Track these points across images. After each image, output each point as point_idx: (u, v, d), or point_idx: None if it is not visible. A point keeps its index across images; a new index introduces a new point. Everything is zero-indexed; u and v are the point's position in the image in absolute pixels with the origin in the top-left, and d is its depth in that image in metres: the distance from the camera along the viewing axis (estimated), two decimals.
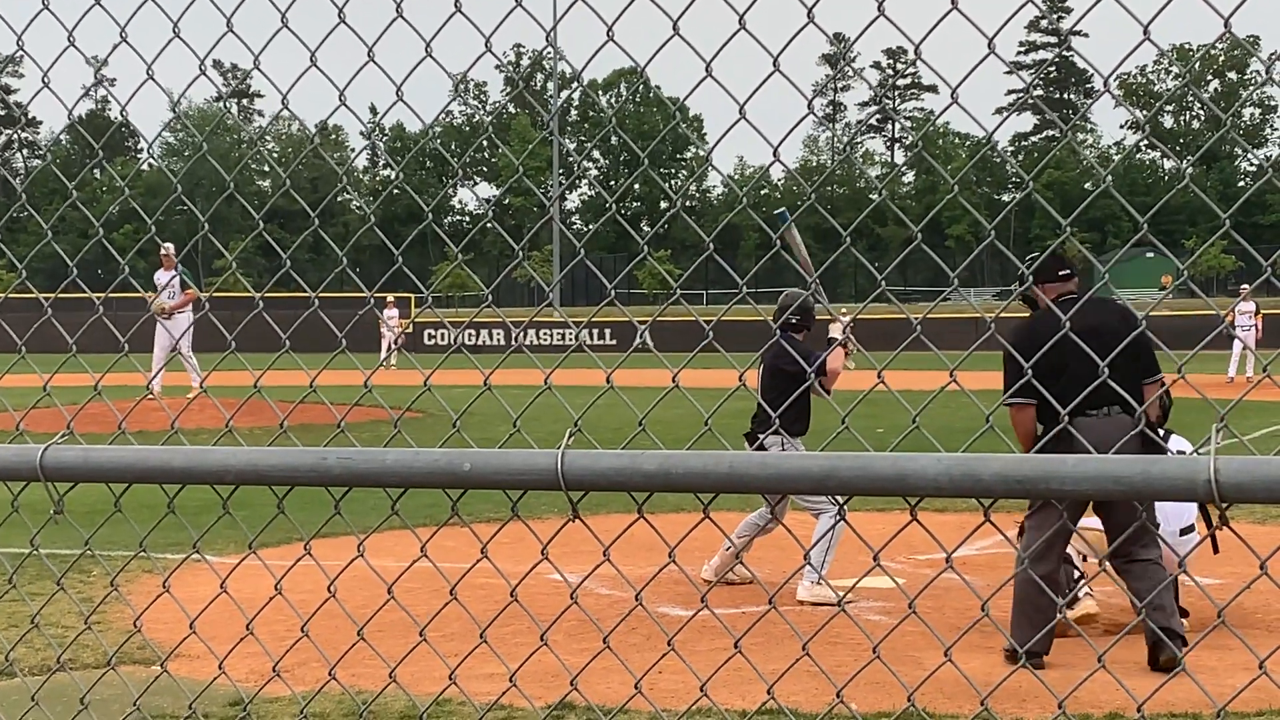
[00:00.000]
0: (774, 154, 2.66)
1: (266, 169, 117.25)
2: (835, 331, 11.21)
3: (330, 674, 3.54)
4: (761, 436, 10.33)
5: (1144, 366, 8.28)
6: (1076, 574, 9.14)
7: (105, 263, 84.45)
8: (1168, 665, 8.05)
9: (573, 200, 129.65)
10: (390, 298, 52.47)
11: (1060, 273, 8.77)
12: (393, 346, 45.88)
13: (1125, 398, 7.73)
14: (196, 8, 3.36)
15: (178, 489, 3.28)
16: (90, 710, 4.12)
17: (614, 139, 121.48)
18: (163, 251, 26.34)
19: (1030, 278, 8.77)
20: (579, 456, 2.68)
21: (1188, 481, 2.23)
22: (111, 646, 8.19)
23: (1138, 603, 8.22)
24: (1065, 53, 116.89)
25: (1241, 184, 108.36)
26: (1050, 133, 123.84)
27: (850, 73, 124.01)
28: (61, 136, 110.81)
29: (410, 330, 63.67)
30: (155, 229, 3.74)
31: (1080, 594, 9.21)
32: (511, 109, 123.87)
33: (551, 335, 65.03)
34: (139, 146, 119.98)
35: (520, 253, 3.10)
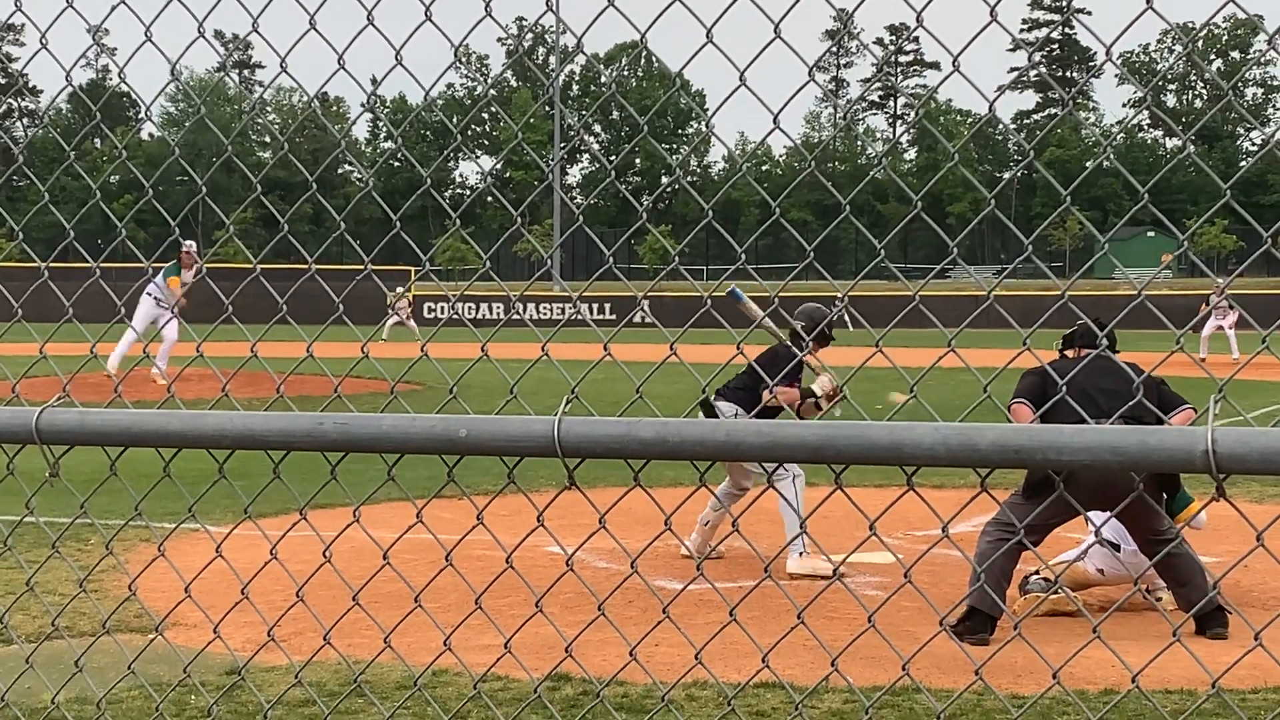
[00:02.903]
0: (774, 122, 2.65)
1: (267, 139, 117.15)
2: (819, 387, 11.14)
3: (325, 639, 3.54)
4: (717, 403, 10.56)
5: (1168, 405, 8.89)
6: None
7: (105, 232, 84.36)
8: (1215, 637, 8.39)
9: (574, 175, 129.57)
10: (400, 288, 52.18)
11: (1097, 343, 9.26)
12: (399, 321, 45.48)
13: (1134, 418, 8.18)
14: None
15: (173, 454, 3.27)
16: (85, 676, 4.12)
17: (615, 114, 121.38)
18: (185, 249, 26.16)
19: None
20: (576, 423, 2.67)
21: (1185, 452, 2.23)
22: (107, 613, 8.19)
23: (1175, 587, 8.86)
24: (1068, 29, 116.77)
25: (1243, 164, 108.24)
26: (1053, 110, 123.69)
27: (853, 48, 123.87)
28: (62, 105, 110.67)
29: (410, 307, 63.64)
30: (155, 197, 3.72)
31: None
32: (513, 82, 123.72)
33: (551, 309, 65.02)
34: (139, 116, 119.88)
35: (519, 219, 3.09)
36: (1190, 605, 8.43)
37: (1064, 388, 2.74)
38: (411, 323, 45.07)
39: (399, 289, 51.08)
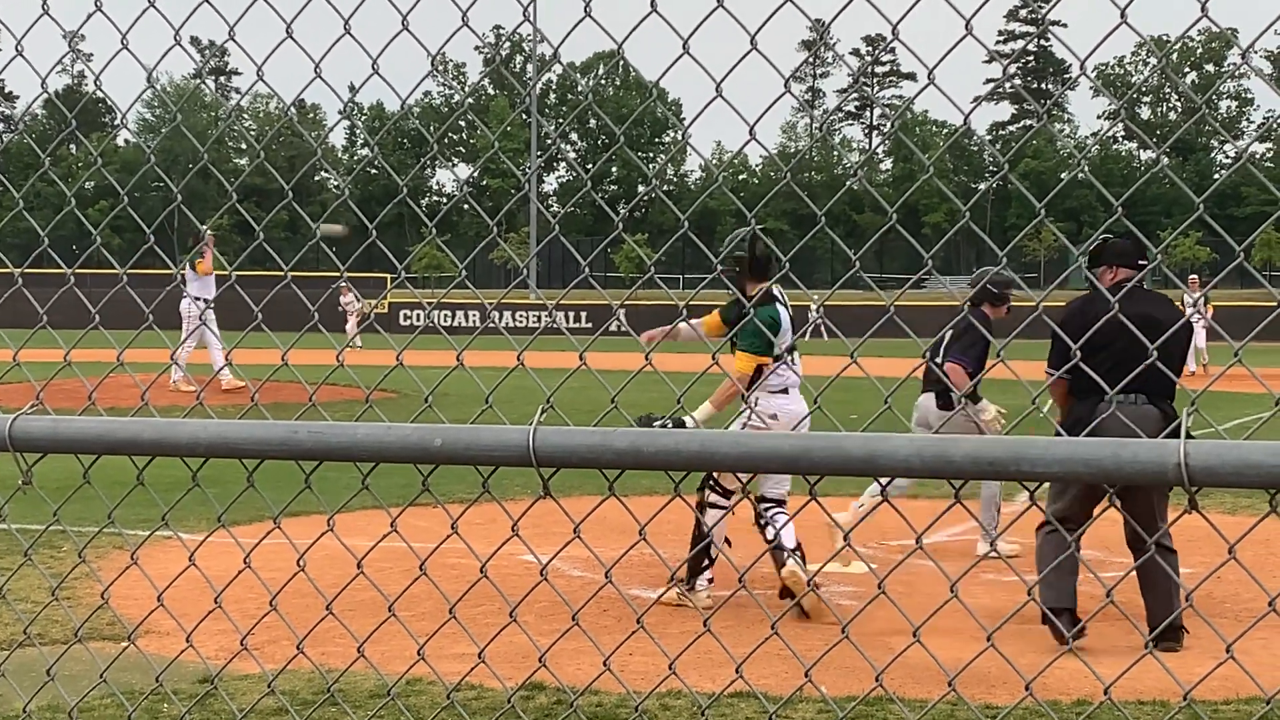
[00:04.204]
0: (750, 133, 2.66)
1: (244, 147, 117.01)
2: (985, 413, 10.86)
3: (298, 648, 3.53)
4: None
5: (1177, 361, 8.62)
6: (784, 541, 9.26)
7: (80, 238, 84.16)
8: (1165, 650, 8.10)
9: (551, 183, 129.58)
10: (343, 283, 51.53)
11: (1139, 261, 8.80)
12: (360, 324, 44.62)
13: (1160, 387, 8.03)
14: None
15: (147, 462, 3.26)
16: (57, 684, 4.11)
17: (592, 122, 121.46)
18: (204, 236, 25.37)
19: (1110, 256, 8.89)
20: (551, 433, 2.67)
21: (1158, 465, 2.24)
22: (80, 621, 8.16)
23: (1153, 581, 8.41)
24: (1043, 41, 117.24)
25: (1217, 176, 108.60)
26: (1028, 122, 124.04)
27: (829, 59, 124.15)
28: (38, 110, 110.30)
29: (384, 310, 63.56)
30: (130, 203, 3.71)
31: (788, 559, 9.23)
32: (490, 90, 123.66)
33: (527, 317, 64.96)
34: (115, 122, 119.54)
35: (495, 229, 3.10)
36: (1150, 614, 8.30)
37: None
38: (352, 320, 43.74)
39: (341, 282, 50.09)
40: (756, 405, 9.72)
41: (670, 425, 9.05)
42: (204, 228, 25.02)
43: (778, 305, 9.60)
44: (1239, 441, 2.25)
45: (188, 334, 23.17)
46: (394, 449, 2.81)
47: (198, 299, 24.29)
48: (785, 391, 9.62)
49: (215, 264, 24.67)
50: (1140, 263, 8.77)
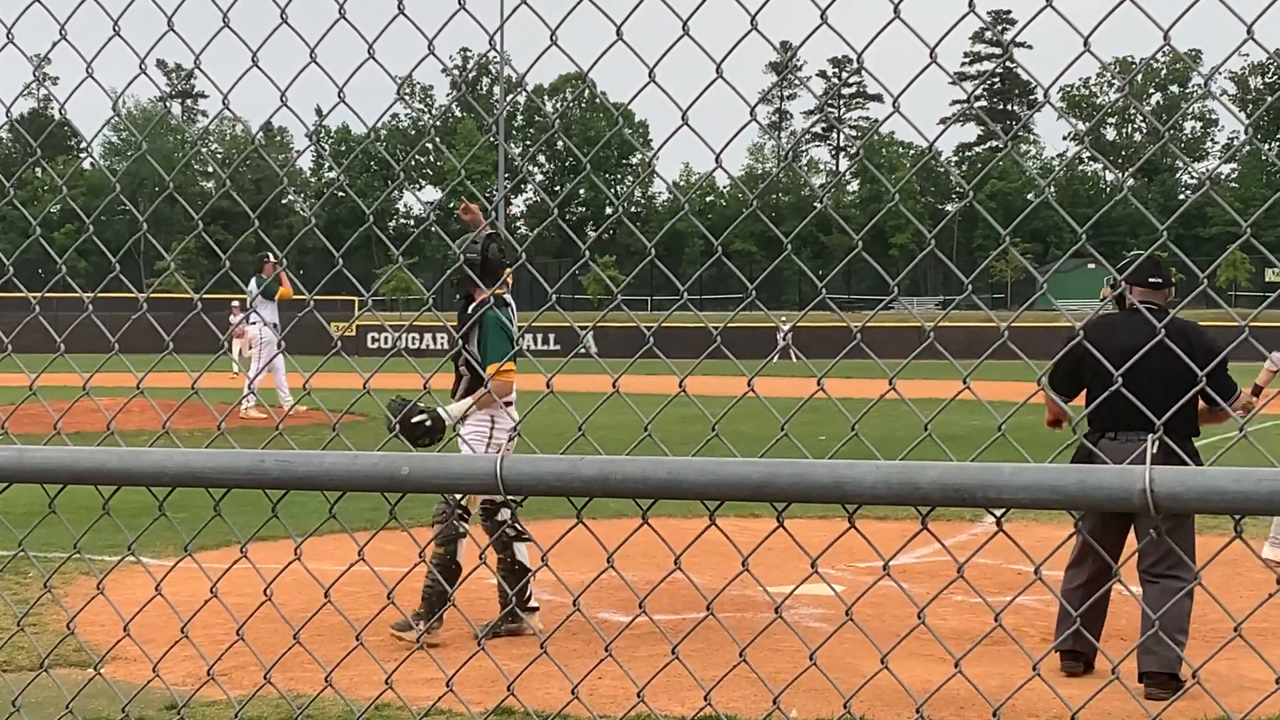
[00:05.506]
0: (716, 160, 2.66)
1: (210, 170, 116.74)
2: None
3: (265, 677, 3.52)
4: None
5: (1212, 386, 7.31)
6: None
7: (45, 261, 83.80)
8: (1150, 697, 7.42)
9: (518, 205, 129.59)
10: (235, 302, 49.86)
11: (1150, 279, 8.22)
12: (249, 346, 41.50)
13: (1170, 421, 7.54)
14: (138, 6, 3.33)
15: (113, 491, 3.25)
16: (23, 713, 4.08)
17: (559, 144, 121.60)
18: (269, 261, 24.77)
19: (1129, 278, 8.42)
20: (518, 461, 2.67)
21: (1123, 491, 2.25)
22: (46, 648, 8.11)
23: (1150, 618, 7.91)
24: (1008, 64, 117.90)
25: (1182, 197, 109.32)
26: (994, 143, 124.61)
27: (796, 80, 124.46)
28: (2, 135, 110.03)
29: (352, 333, 63.48)
30: (95, 229, 3.70)
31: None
32: (458, 113, 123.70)
33: None
34: (81, 146, 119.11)
35: (461, 256, 3.09)
36: (1143, 649, 7.95)
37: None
38: (240, 343, 41.44)
39: (234, 303, 48.18)
40: (499, 419, 8.83)
41: (422, 410, 8.69)
42: (275, 253, 24.66)
43: (510, 310, 9.02)
44: (1204, 468, 2.26)
45: (265, 360, 22.90)
46: (361, 477, 2.80)
47: (269, 324, 24.02)
48: (511, 404, 9.12)
49: (272, 286, 24.11)
50: (1152, 280, 8.20)
